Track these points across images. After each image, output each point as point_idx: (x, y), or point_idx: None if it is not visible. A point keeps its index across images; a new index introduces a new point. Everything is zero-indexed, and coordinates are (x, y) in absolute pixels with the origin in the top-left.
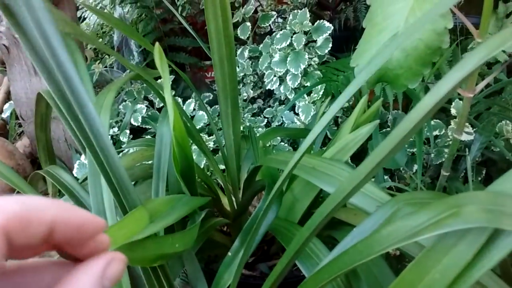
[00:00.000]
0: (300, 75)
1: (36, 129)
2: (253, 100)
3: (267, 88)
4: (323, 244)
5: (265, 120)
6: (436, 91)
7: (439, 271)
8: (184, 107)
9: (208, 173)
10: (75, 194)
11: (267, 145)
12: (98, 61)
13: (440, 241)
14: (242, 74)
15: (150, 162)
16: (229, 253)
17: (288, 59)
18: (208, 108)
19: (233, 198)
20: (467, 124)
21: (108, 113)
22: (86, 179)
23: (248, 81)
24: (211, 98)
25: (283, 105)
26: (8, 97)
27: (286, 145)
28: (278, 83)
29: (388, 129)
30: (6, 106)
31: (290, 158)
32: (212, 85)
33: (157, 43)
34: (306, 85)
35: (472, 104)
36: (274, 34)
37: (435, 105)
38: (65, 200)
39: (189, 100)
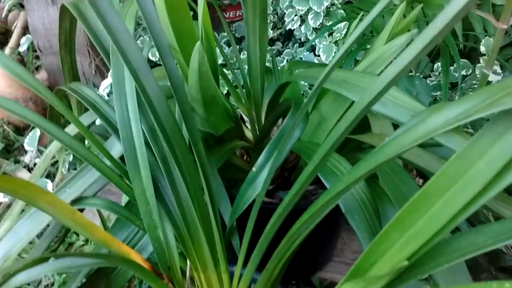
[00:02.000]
0: (322, 14)
1: (60, 50)
2: (271, 43)
3: (287, 28)
4: (347, 162)
5: (284, 61)
6: None
7: (485, 161)
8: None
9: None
10: (99, 108)
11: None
12: None
13: (487, 131)
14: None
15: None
16: (254, 169)
17: None
18: (226, 48)
19: (256, 122)
20: (496, 62)
21: (133, 22)
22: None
23: (268, 21)
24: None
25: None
26: (24, 32)
27: (306, 84)
28: (299, 23)
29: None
30: (23, 40)
31: (319, 74)
32: (231, 25)
33: None
34: (328, 25)
35: (502, 46)
36: None
37: None
38: (89, 116)
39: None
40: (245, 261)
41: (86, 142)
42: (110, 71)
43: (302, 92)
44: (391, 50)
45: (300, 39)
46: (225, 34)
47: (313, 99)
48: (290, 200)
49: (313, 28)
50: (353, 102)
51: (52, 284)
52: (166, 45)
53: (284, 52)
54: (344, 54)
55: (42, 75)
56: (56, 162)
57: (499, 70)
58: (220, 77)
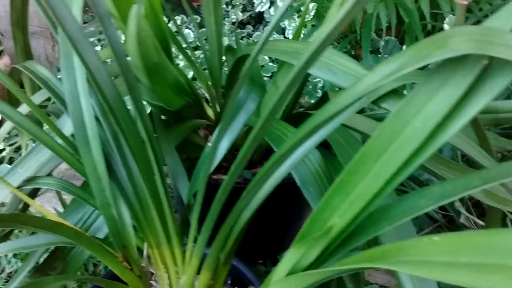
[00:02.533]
0: None
1: (12, 27)
2: (242, 26)
3: (256, 10)
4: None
5: None
6: None
7: (421, 119)
8: (170, 25)
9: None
10: (51, 86)
11: None
12: None
13: (421, 88)
14: None
15: None
16: (209, 144)
17: None
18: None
19: (216, 100)
20: None
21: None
22: None
23: (237, 3)
24: (198, 21)
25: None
26: None
27: (275, 65)
28: (268, 5)
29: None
30: None
31: (272, 45)
32: (200, 9)
33: None
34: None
35: (469, 24)
36: None
37: None
38: (42, 94)
39: (176, 17)
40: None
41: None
42: (59, 44)
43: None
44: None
45: (269, 21)
46: (196, 16)
47: (250, 66)
48: (235, 168)
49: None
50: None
51: (16, 271)
52: (105, 11)
53: (254, 35)
54: (279, 19)
55: (5, 60)
56: (20, 147)
57: None
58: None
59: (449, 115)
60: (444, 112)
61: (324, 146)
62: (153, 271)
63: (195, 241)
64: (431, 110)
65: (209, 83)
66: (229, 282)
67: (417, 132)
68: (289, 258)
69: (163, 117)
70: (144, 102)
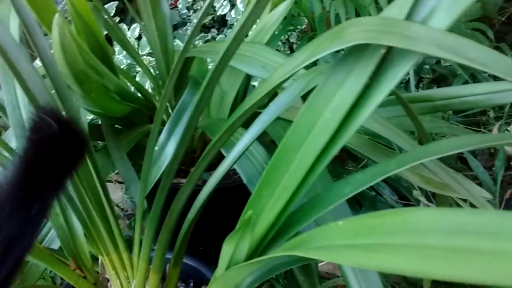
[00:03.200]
0: None
1: None
2: (206, 30)
3: (217, 13)
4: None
5: None
6: None
7: (330, 110)
8: (129, 33)
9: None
10: None
11: None
12: None
13: (330, 78)
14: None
15: None
16: (156, 148)
17: None
18: None
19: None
20: None
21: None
22: None
23: (199, 7)
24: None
25: None
26: None
27: None
28: (228, 8)
29: None
30: None
31: (213, 47)
32: None
33: None
34: None
35: None
36: None
37: None
38: None
39: (134, 25)
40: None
41: None
42: None
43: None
44: (274, 18)
45: (233, 24)
46: None
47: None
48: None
49: (242, 12)
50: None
51: None
52: (32, 20)
53: (217, 38)
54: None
55: None
56: None
57: None
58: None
59: (357, 104)
60: (350, 102)
61: (274, 143)
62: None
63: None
64: (339, 101)
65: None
66: (191, 284)
67: (329, 122)
68: (224, 253)
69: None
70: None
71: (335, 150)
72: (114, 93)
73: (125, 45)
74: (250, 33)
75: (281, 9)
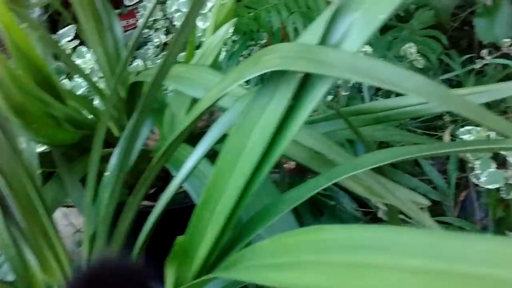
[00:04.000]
0: (210, 15)
1: None
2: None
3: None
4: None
5: None
6: None
7: (258, 132)
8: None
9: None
10: None
11: None
12: None
13: (255, 102)
14: (152, 19)
15: None
16: (107, 173)
17: None
18: None
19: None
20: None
21: None
22: None
23: (159, 26)
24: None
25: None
26: None
27: None
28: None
29: None
30: None
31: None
32: (125, 32)
33: None
34: None
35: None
36: None
37: None
38: None
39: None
40: None
41: None
42: None
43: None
44: (216, 40)
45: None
46: None
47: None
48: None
49: (202, 29)
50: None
51: None
52: None
53: (180, 55)
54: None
55: None
56: None
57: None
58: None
59: (282, 125)
60: (275, 124)
61: None
62: None
63: None
64: (264, 123)
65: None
66: None
67: (257, 144)
68: (168, 275)
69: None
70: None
71: (267, 169)
72: (64, 121)
73: (78, 70)
74: (197, 53)
75: (223, 32)
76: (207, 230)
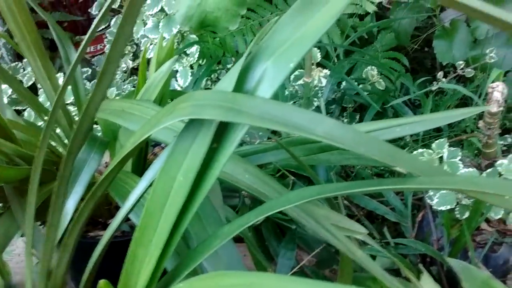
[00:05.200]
0: (175, 40)
1: None
2: (136, 72)
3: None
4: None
5: None
6: None
7: (182, 173)
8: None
9: None
10: None
11: None
12: None
13: (178, 145)
14: None
15: None
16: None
17: (161, 24)
18: (88, 83)
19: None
20: (320, 69)
21: None
22: None
23: (127, 52)
24: (89, 73)
25: None
26: None
27: None
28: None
29: None
30: None
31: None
32: (92, 60)
33: None
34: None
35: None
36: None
37: None
38: None
39: (57, 74)
40: None
41: None
42: None
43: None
44: (160, 76)
45: None
46: (84, 69)
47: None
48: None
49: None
50: None
51: None
52: None
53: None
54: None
55: None
56: None
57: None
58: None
59: (205, 166)
60: (197, 165)
61: None
62: None
63: None
64: (188, 165)
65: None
66: None
67: (182, 184)
68: None
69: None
70: None
71: (194, 208)
72: (16, 157)
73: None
74: (142, 89)
75: (166, 67)
76: (144, 266)
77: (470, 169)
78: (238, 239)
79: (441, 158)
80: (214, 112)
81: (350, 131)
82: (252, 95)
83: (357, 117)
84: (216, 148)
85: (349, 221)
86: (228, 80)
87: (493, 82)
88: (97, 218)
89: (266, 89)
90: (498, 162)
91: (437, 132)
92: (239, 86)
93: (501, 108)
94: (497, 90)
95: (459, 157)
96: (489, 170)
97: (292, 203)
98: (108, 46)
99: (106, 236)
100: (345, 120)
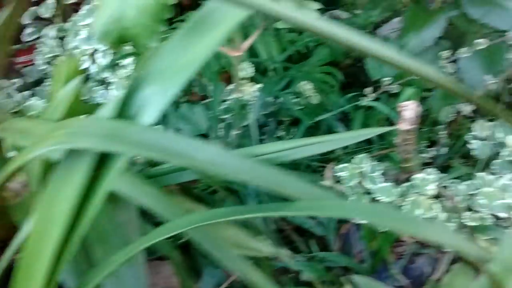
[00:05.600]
0: (111, 51)
1: None
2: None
3: (80, 68)
4: None
5: None
6: None
7: (60, 205)
8: None
9: None
10: None
11: None
12: None
13: (58, 174)
14: (51, 55)
15: None
16: None
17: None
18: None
19: None
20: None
21: None
22: None
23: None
24: (22, 84)
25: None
26: None
27: None
28: (91, 62)
29: None
30: None
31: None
32: (22, 70)
33: None
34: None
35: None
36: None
37: None
38: None
39: None
40: None
41: None
42: None
43: None
44: (64, 95)
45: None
46: (15, 80)
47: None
48: None
49: (106, 66)
50: None
51: None
52: None
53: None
54: None
55: None
56: None
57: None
58: None
59: (84, 197)
60: (74, 197)
61: None
62: None
63: None
64: (65, 197)
65: None
66: None
67: (62, 213)
68: None
69: None
70: None
71: (80, 231)
72: None
73: None
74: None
75: (72, 85)
76: None
77: (387, 184)
78: None
79: (361, 172)
80: (89, 141)
81: (233, 159)
82: (131, 123)
83: (294, 130)
84: (98, 175)
85: (254, 241)
86: (109, 106)
87: (408, 100)
88: None
89: (149, 115)
90: (414, 176)
91: (369, 145)
92: (122, 111)
93: (413, 126)
94: (409, 109)
95: (382, 171)
96: (404, 184)
97: (183, 227)
98: (38, 57)
99: (5, 258)
100: (282, 133)
